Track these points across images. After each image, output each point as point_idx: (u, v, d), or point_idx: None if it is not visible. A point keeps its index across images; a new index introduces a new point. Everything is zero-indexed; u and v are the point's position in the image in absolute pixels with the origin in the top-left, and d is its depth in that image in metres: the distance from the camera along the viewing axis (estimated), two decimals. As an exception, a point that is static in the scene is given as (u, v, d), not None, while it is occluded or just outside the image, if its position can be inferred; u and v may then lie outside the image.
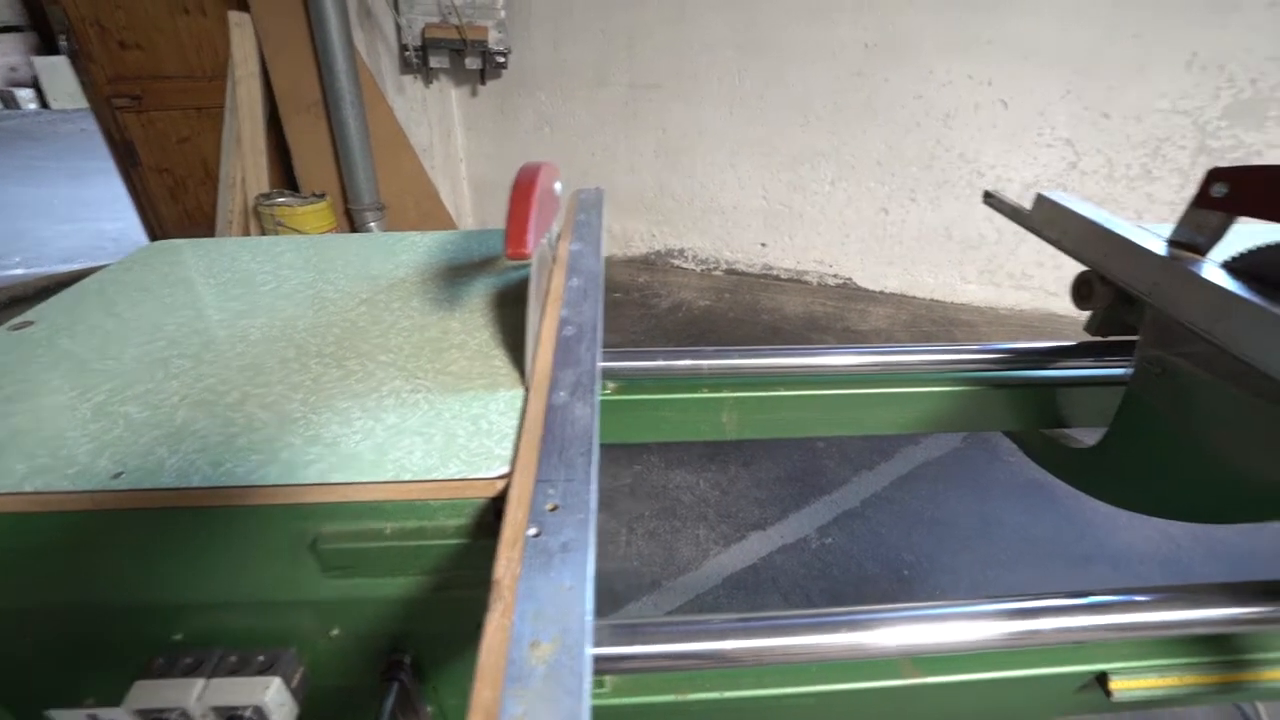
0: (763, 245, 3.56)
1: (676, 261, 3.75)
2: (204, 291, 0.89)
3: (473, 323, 0.80)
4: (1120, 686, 0.79)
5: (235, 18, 2.72)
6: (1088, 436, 1.36)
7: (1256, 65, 2.69)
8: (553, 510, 0.51)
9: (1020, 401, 1.44)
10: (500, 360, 0.72)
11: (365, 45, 3.02)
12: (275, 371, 0.69)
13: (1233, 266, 1.05)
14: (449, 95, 3.50)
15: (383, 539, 0.56)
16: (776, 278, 3.63)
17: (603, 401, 1.32)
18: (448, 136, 3.61)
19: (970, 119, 3.00)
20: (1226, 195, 1.05)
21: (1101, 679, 0.80)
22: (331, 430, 0.60)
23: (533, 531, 0.49)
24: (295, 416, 0.62)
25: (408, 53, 3.09)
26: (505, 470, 0.56)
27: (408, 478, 0.55)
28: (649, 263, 3.80)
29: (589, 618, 0.43)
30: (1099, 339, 1.38)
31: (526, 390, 0.67)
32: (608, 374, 1.32)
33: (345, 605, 0.60)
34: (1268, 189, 1.00)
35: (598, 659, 0.71)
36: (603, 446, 2.15)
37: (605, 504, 2.02)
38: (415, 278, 0.93)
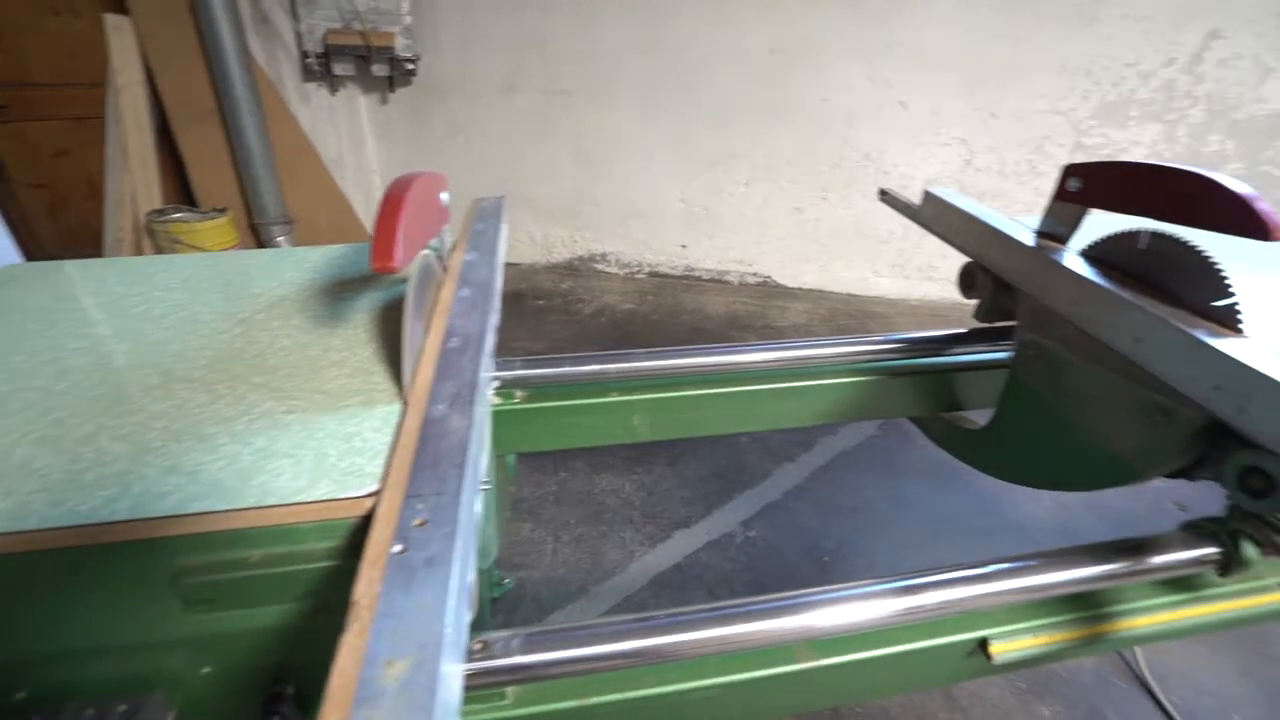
0: (683, 247, 3.61)
1: (599, 266, 3.76)
2: (63, 318, 0.84)
3: (356, 339, 0.78)
4: (1000, 650, 0.85)
5: (113, 21, 2.55)
6: (983, 418, 1.45)
7: (1117, 70, 2.93)
8: (421, 525, 0.51)
9: (919, 387, 1.51)
10: (380, 376, 0.71)
11: (263, 52, 2.89)
12: (136, 400, 0.66)
13: (1088, 254, 1.14)
14: (358, 103, 3.39)
15: (249, 567, 0.54)
16: (699, 278, 3.69)
17: (512, 411, 1.32)
18: (359, 146, 3.51)
19: (873, 120, 3.14)
20: (1081, 189, 1.14)
21: (983, 645, 0.86)
22: (193, 458, 0.58)
23: (398, 548, 0.48)
24: (153, 446, 0.59)
25: (309, 60, 2.98)
26: (375, 488, 0.55)
27: (272, 502, 0.54)
28: (572, 268, 3.80)
29: (449, 631, 0.43)
30: (987, 325, 1.47)
31: (404, 405, 0.66)
32: (516, 383, 1.31)
33: (215, 640, 0.57)
34: (1114, 183, 1.09)
35: (496, 670, 0.71)
36: (527, 455, 2.14)
37: (530, 513, 2.01)
38: (300, 295, 0.90)
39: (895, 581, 0.84)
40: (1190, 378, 0.88)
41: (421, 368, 0.72)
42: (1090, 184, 1.11)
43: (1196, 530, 0.94)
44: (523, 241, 3.79)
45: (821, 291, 3.66)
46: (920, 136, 3.17)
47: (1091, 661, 1.67)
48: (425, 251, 0.83)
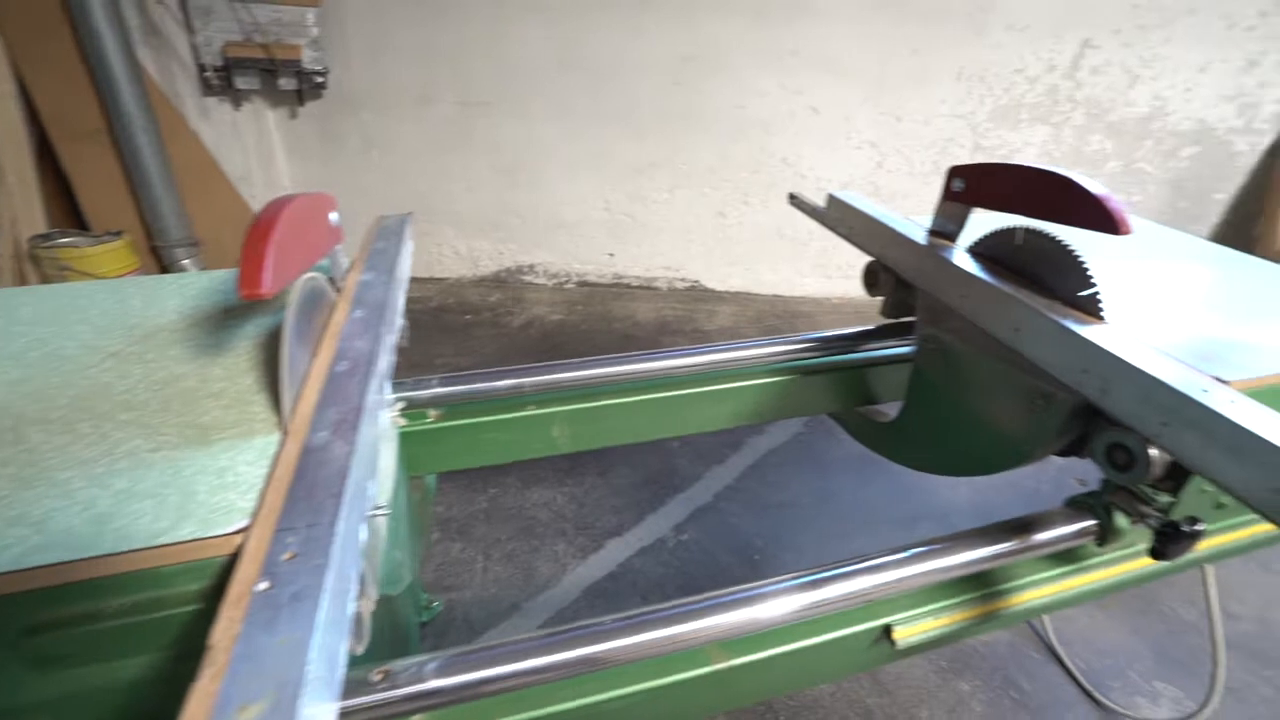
0: (611, 255, 3.62)
1: (527, 277, 3.73)
2: (-97, 360, 0.77)
3: (238, 368, 0.75)
4: (903, 635, 0.88)
5: (-21, 32, 2.37)
6: (896, 410, 1.51)
7: (1007, 77, 3.12)
8: (290, 559, 0.49)
9: (834, 384, 1.56)
10: (261, 405, 0.68)
11: (156, 65, 2.75)
12: (-21, 447, 0.61)
13: (974, 250, 1.20)
14: (265, 118, 3.26)
15: (109, 618, 0.51)
16: (628, 286, 3.71)
17: (425, 431, 1.29)
18: (268, 162, 3.37)
19: (787, 125, 3.24)
20: (964, 190, 1.21)
21: (887, 631, 0.89)
22: (43, 506, 0.54)
23: (263, 585, 0.47)
24: (-2, 496, 0.55)
25: (208, 74, 2.84)
26: (244, 524, 0.53)
27: (130, 547, 0.51)
28: (500, 281, 3.75)
29: (314, 668, 0.41)
30: (893, 321, 1.54)
31: (284, 435, 0.63)
32: (428, 402, 1.29)
33: (74, 700, 0.53)
34: (992, 184, 1.16)
35: (399, 700, 0.69)
36: (456, 473, 2.08)
37: (460, 532, 1.97)
38: (180, 324, 0.85)
39: (799, 577, 0.86)
40: (1062, 363, 0.95)
41: (306, 394, 0.70)
42: (972, 185, 1.18)
43: (1076, 505, 1.01)
44: (447, 256, 3.72)
45: (749, 294, 3.74)
46: (833, 141, 3.29)
47: (1007, 635, 1.76)
48: (310, 274, 0.80)
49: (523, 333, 3.26)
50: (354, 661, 0.72)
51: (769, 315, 3.53)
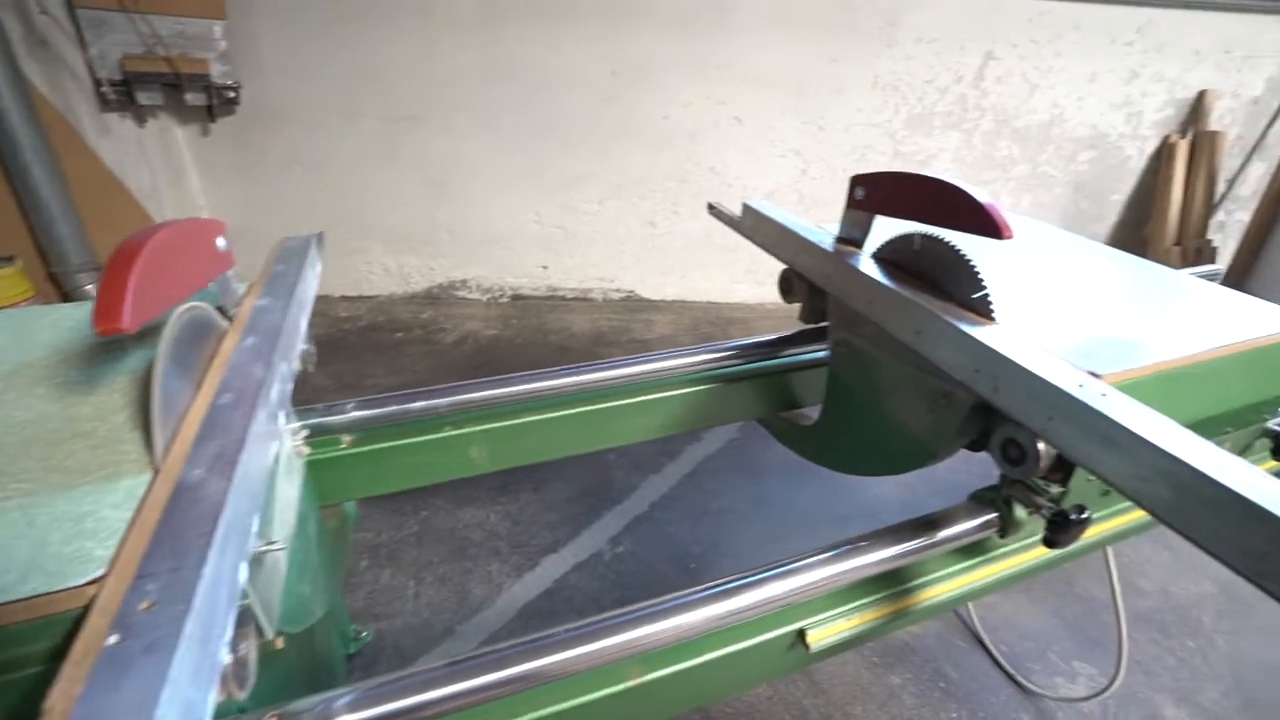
0: (544, 268, 3.60)
1: (460, 293, 3.67)
2: None
3: (110, 405, 0.71)
4: (816, 638, 0.90)
5: None
6: (817, 413, 1.54)
7: (919, 87, 3.27)
8: (148, 608, 0.46)
9: (758, 390, 1.58)
10: (132, 444, 0.64)
11: (45, 79, 2.58)
12: None
13: (878, 256, 1.24)
14: (173, 135, 3.11)
15: (-58, 687, 0.47)
16: (563, 298, 3.69)
17: (338, 457, 1.24)
18: (179, 180, 3.21)
19: (713, 135, 3.29)
20: (866, 197, 1.25)
21: (801, 635, 0.90)
22: None
23: (113, 639, 0.44)
24: None
25: (105, 89, 2.69)
26: (100, 573, 0.50)
27: (-36, 609, 0.47)
28: (432, 297, 3.68)
29: (162, 724, 0.39)
30: (811, 326, 1.57)
31: (154, 474, 0.60)
32: (341, 428, 1.24)
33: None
34: (890, 192, 1.20)
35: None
36: (386, 498, 2.01)
37: (390, 557, 1.91)
38: (50, 359, 0.80)
39: (712, 588, 0.87)
40: (957, 364, 0.98)
41: (185, 429, 0.66)
42: (872, 193, 1.22)
43: (978, 500, 1.05)
44: (377, 273, 3.63)
45: (684, 302, 3.78)
46: (758, 150, 3.36)
47: (936, 626, 1.81)
48: (190, 304, 0.76)
49: (456, 349, 3.20)
50: (248, 705, 0.69)
51: (704, 323, 3.58)
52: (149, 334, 0.88)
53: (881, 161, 3.49)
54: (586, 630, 0.79)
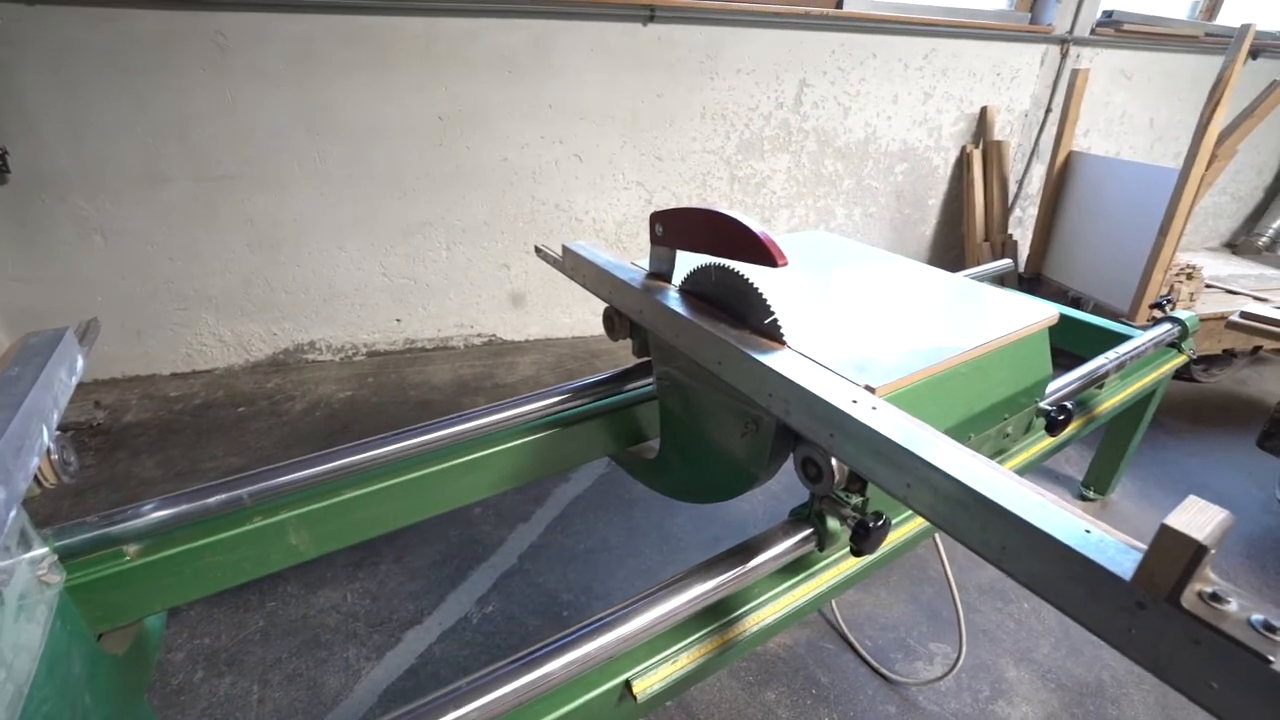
0: (398, 321, 3.45)
1: (309, 355, 3.43)
2: None
3: None
4: (642, 687, 0.88)
5: None
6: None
7: (744, 114, 3.47)
8: None
9: (601, 429, 1.56)
10: None
11: None
12: None
13: (683, 289, 1.27)
14: (-66, 213, 2.71)
15: None
16: (422, 349, 3.55)
17: (123, 571, 1.10)
18: (-55, 263, 2.80)
19: (554, 174, 3.31)
20: (664, 234, 1.27)
21: (629, 686, 0.88)
22: None
23: None
24: None
25: None
26: None
27: None
28: (277, 363, 3.42)
29: None
30: (646, 359, 1.58)
31: None
32: (124, 537, 1.10)
33: None
34: (683, 227, 1.23)
35: None
36: (227, 594, 1.80)
37: (231, 662, 1.71)
38: None
39: (527, 656, 0.83)
40: (754, 389, 1.01)
41: None
42: (669, 228, 1.24)
43: (795, 517, 1.09)
44: (210, 344, 3.33)
45: (548, 339, 3.75)
46: (602, 184, 3.42)
47: (804, 634, 1.87)
48: None
49: (306, 417, 2.98)
50: None
51: (569, 359, 3.56)
52: None
53: (721, 185, 3.66)
54: (402, 714, 0.73)
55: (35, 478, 0.84)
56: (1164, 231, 2.85)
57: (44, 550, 0.90)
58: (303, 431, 2.88)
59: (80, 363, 1.12)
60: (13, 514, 0.79)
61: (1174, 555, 0.55)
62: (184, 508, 1.12)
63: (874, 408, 0.85)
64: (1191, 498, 0.59)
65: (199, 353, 3.33)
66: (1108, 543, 0.63)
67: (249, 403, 3.12)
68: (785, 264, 1.00)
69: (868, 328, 1.20)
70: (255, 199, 3.03)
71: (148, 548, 1.11)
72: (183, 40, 2.66)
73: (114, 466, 2.57)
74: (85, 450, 2.68)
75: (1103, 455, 2.42)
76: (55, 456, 0.94)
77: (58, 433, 0.92)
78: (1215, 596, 0.55)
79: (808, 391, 0.90)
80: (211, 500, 1.13)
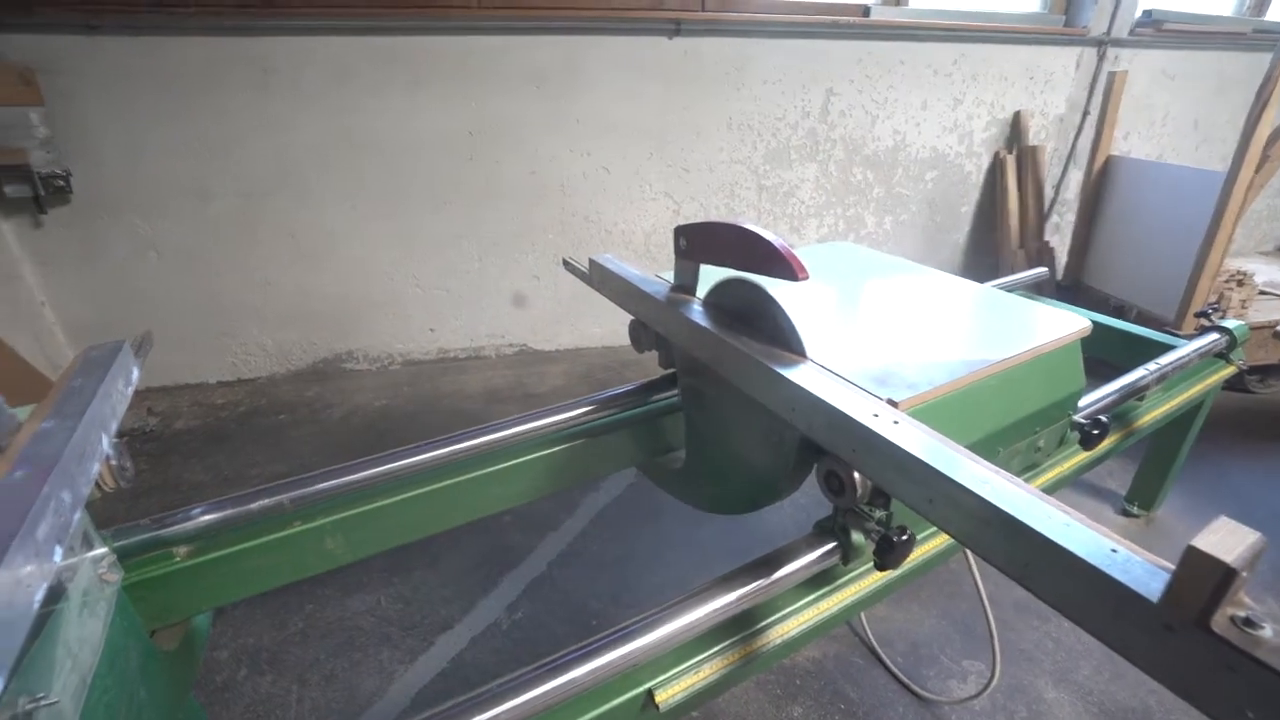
0: (432, 331, 3.53)
1: (347, 365, 3.53)
2: None
3: None
4: (665, 696, 0.89)
5: None
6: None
7: (771, 124, 3.47)
8: None
9: (629, 439, 1.58)
10: None
11: None
12: None
13: (707, 302, 1.29)
14: None
15: None
16: (455, 359, 3.62)
17: (174, 572, 1.15)
18: (10, 278, 2.95)
19: (583, 186, 3.36)
20: (688, 247, 1.29)
21: (651, 696, 0.89)
22: None
23: None
24: None
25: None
26: None
27: None
28: (317, 372, 3.52)
29: None
30: (673, 370, 1.60)
31: None
32: (175, 539, 1.16)
33: None
34: (706, 241, 1.25)
35: None
36: (268, 595, 1.85)
37: (271, 661, 1.77)
38: None
39: (550, 663, 0.85)
40: (778, 402, 1.02)
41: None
42: (693, 242, 1.26)
43: (819, 530, 1.09)
44: (254, 354, 3.44)
45: (578, 349, 3.78)
46: (630, 195, 3.45)
47: (833, 648, 1.85)
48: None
49: (344, 425, 3.06)
50: None
51: (599, 369, 3.59)
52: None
53: (749, 195, 3.66)
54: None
55: (95, 482, 0.90)
56: (1210, 237, 2.76)
57: (104, 550, 0.95)
58: (340, 439, 2.96)
59: (136, 373, 1.18)
60: (78, 516, 0.84)
61: (1202, 578, 0.54)
62: (229, 512, 1.17)
63: (896, 422, 0.85)
64: (1222, 518, 0.58)
65: (244, 362, 3.45)
66: (1134, 563, 0.62)
67: (290, 410, 3.22)
68: (806, 278, 1.01)
69: (892, 340, 1.20)
70: (297, 213, 3.14)
71: (196, 549, 1.17)
72: (229, 65, 2.78)
73: (166, 471, 2.68)
74: (140, 455, 2.80)
75: (1147, 470, 2.34)
76: (114, 462, 0.99)
77: (115, 439, 0.97)
78: (1249, 621, 0.54)
79: (830, 405, 0.90)
80: (254, 505, 1.18)
